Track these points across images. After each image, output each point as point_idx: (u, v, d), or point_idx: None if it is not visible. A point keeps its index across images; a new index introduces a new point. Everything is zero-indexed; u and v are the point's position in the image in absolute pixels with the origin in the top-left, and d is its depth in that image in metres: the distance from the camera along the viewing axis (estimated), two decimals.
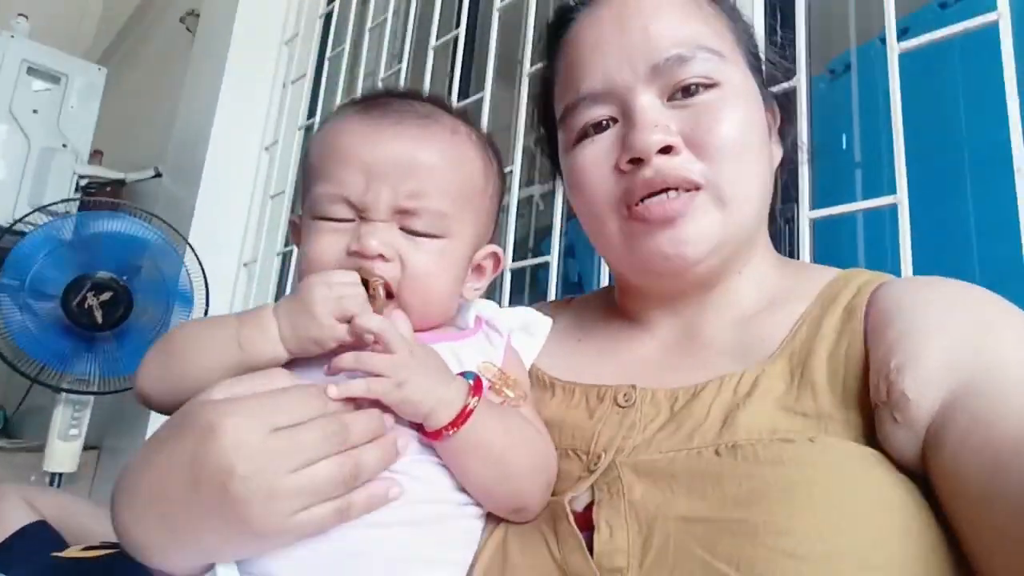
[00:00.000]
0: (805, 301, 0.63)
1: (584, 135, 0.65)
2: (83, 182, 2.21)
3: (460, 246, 0.63)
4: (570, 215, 1.70)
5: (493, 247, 0.68)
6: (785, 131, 0.73)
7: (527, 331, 0.70)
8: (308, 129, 2.06)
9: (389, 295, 0.58)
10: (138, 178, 2.27)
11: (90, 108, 2.25)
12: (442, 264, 0.61)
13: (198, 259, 1.77)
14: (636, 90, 0.62)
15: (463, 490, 0.56)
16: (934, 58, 0.95)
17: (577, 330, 0.75)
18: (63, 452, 1.67)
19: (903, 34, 0.95)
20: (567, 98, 0.66)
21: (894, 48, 0.94)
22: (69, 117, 2.21)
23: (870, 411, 0.51)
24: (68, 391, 1.68)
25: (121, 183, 2.31)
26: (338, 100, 1.95)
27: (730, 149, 0.60)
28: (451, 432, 0.53)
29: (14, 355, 1.61)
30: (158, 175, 2.25)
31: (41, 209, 1.80)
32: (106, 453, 2.03)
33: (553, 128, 0.72)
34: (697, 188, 0.60)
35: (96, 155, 2.52)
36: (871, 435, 0.51)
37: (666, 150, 0.60)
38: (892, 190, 0.90)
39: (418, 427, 0.54)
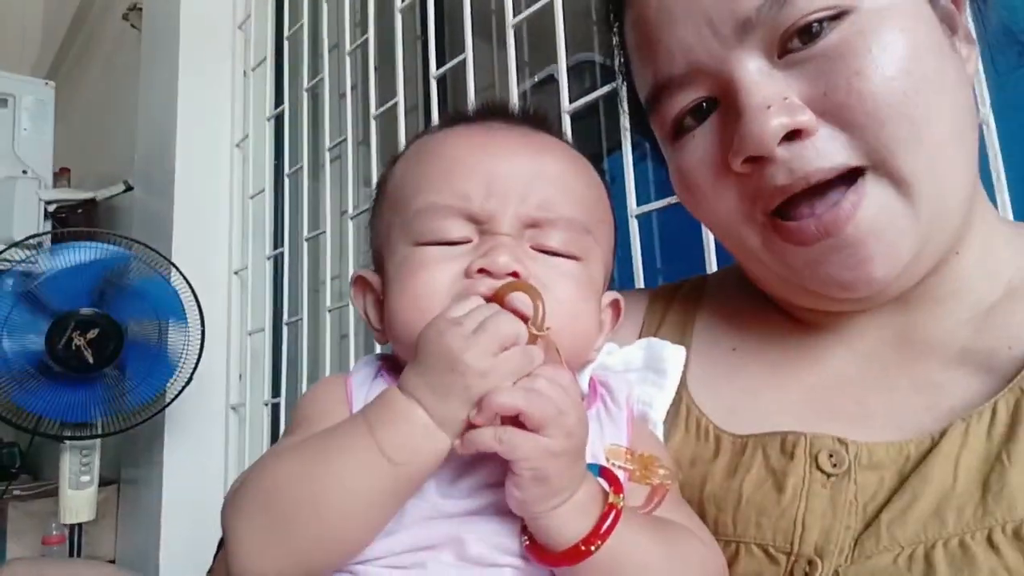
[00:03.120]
0: None
1: (680, 127, 0.49)
2: (51, 207, 2.08)
3: (596, 274, 0.51)
4: None
5: (615, 293, 0.55)
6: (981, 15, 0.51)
7: (655, 369, 0.54)
8: (278, 119, 1.91)
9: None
10: (109, 194, 2.13)
11: (44, 127, 2.10)
12: (583, 292, 0.49)
13: (183, 276, 1.65)
14: (729, 60, 0.45)
15: None
16: None
17: (727, 333, 0.57)
18: (78, 501, 1.59)
19: None
20: (644, 87, 0.51)
21: None
22: (24, 140, 2.07)
23: None
24: (71, 438, 1.58)
25: (92, 202, 2.17)
26: (304, 82, 1.80)
27: (888, 104, 0.41)
28: (596, 546, 0.39)
29: (6, 409, 1.51)
30: (129, 188, 2.10)
31: (13, 246, 1.67)
32: (125, 486, 1.95)
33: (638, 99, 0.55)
34: (859, 172, 0.43)
35: (63, 174, 2.38)
36: None
37: (793, 135, 0.43)
38: None
39: (531, 551, 0.41)
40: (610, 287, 0.56)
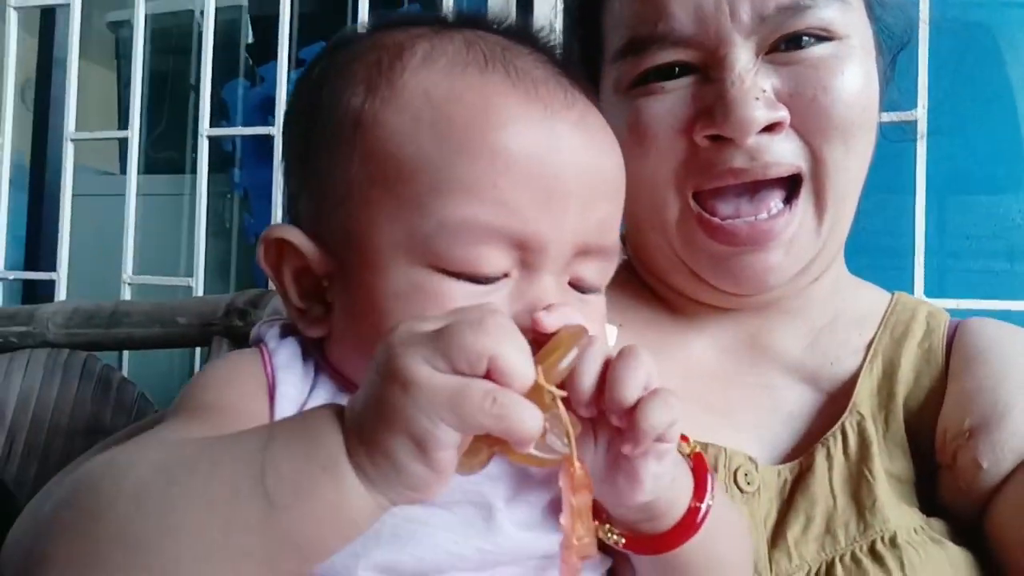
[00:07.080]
0: (869, 324, 0.58)
1: (646, 78, 0.52)
2: None
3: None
4: None
5: None
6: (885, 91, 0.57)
7: None
8: None
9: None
10: None
11: None
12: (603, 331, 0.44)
13: None
14: (732, 43, 0.49)
15: None
16: None
17: (612, 308, 0.57)
18: None
19: None
20: (636, 28, 0.52)
21: None
22: None
23: (932, 467, 0.52)
24: None
25: None
26: None
27: (841, 123, 0.49)
28: (706, 502, 0.38)
29: None
30: None
31: None
32: None
33: (594, 31, 0.56)
34: (795, 177, 0.50)
35: None
36: (926, 490, 0.51)
37: (767, 128, 0.48)
38: None
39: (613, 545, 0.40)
40: None
